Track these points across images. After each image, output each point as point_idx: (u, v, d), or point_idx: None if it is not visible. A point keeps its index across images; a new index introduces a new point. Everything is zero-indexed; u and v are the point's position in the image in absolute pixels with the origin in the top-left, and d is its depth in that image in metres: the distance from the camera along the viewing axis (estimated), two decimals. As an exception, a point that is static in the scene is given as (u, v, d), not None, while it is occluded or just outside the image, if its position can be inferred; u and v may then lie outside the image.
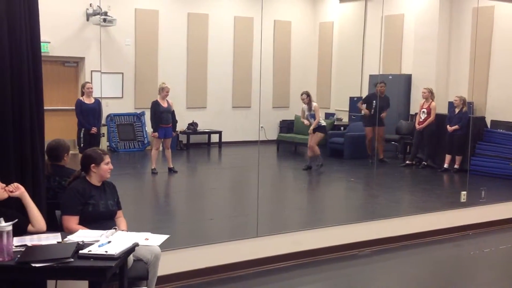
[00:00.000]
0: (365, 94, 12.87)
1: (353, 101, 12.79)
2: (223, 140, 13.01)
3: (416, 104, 11.44)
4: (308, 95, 10.02)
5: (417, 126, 10.68)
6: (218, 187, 9.20)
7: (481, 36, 10.78)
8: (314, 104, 10.00)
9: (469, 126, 9.58)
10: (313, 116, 9.96)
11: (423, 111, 10.62)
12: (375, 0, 12.98)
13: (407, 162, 10.80)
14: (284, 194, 8.99)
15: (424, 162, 10.60)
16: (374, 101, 10.80)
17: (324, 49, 14.40)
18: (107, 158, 4.17)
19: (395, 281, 5.40)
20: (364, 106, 11.10)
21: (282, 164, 12.06)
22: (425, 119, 10.58)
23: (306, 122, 10.15)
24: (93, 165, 4.11)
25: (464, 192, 7.34)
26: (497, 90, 10.99)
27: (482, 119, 10.65)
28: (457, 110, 10.25)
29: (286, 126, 13.91)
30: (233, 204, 8.14)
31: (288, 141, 12.98)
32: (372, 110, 10.72)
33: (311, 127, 9.98)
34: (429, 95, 10.59)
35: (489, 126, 10.66)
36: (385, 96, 11.08)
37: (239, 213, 7.37)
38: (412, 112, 12.05)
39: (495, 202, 7.48)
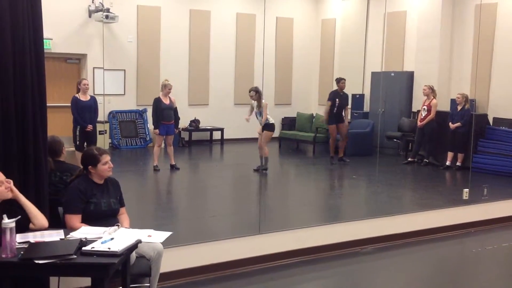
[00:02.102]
0: (367, 91, 12.87)
1: (356, 98, 12.76)
2: (225, 137, 12.99)
3: (418, 101, 11.42)
4: (257, 91, 9.50)
5: (419, 124, 10.68)
6: (220, 184, 9.20)
7: (483, 34, 10.74)
8: (263, 101, 9.56)
9: (471, 124, 9.58)
10: (262, 114, 9.58)
11: (424, 108, 10.61)
12: (378, -3, 12.96)
13: (409, 159, 10.79)
14: (286, 191, 8.99)
15: (425, 160, 10.60)
16: (337, 99, 10.68)
17: (326, 46, 14.38)
18: (105, 158, 4.11)
19: (397, 278, 5.40)
20: (329, 103, 10.74)
21: (284, 161, 12.06)
22: (425, 116, 10.57)
23: (247, 118, 9.80)
24: (90, 166, 4.11)
25: (466, 190, 7.32)
26: (500, 88, 10.96)
27: (485, 116, 10.63)
28: (459, 107, 10.24)
29: (288, 123, 13.89)
30: (236, 201, 8.15)
31: (290, 138, 12.99)
32: (335, 108, 10.66)
33: (261, 126, 9.63)
34: (430, 92, 10.57)
35: (491, 123, 10.64)
36: (344, 93, 10.91)
37: (241, 210, 7.38)
38: (414, 109, 12.04)
39: (497, 200, 7.47)
